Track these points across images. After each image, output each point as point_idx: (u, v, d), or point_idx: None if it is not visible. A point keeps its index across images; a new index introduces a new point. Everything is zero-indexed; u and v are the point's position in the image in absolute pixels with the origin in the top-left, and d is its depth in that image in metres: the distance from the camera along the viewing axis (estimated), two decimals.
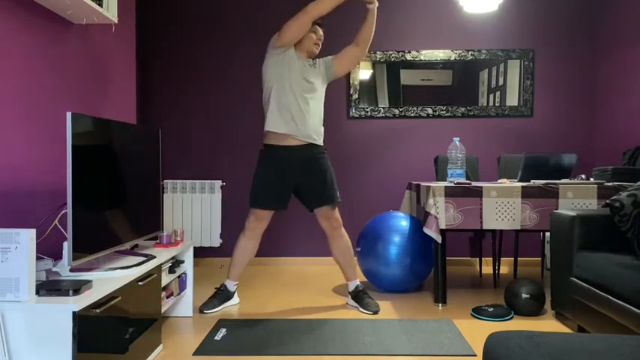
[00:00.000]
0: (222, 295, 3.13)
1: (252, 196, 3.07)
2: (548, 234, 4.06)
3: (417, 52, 4.43)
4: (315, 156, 3.05)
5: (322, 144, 3.10)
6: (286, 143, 2.99)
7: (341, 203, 3.12)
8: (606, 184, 3.12)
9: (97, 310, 1.71)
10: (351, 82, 4.43)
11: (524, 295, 2.94)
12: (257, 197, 3.05)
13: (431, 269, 3.48)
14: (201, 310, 3.01)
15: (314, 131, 3.02)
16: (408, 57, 4.42)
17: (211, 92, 4.48)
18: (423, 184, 3.41)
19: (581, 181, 3.20)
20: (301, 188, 3.08)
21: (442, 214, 3.09)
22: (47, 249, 2.27)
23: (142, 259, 2.24)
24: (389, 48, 4.45)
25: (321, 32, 3.09)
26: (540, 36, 4.44)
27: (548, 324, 2.81)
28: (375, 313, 3.01)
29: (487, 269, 4.30)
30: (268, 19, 4.44)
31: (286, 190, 3.07)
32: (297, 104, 2.95)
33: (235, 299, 3.21)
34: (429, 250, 3.43)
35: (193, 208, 4.33)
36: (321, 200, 3.06)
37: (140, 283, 2.11)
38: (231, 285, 3.16)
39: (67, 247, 1.91)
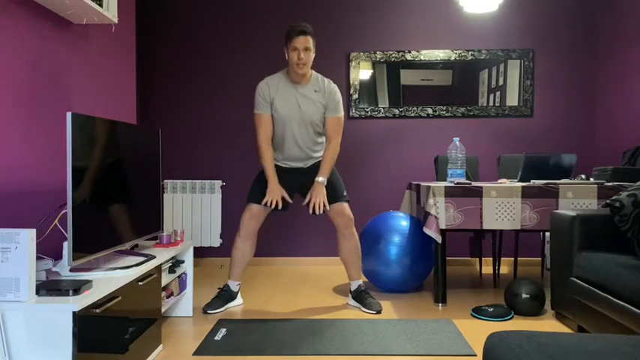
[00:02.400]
0: (225, 295, 3.12)
1: (250, 192, 3.06)
2: (548, 234, 4.06)
3: (417, 52, 4.43)
4: (317, 164, 3.08)
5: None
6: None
7: None
8: (606, 184, 3.12)
9: (97, 310, 1.71)
10: (351, 82, 4.43)
11: (524, 295, 2.94)
12: (255, 192, 3.04)
13: (431, 269, 3.48)
14: (205, 310, 3.00)
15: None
16: (408, 57, 4.42)
17: (211, 92, 4.48)
18: (423, 184, 3.41)
19: (581, 181, 3.20)
20: (306, 188, 3.05)
21: (442, 214, 3.09)
22: (47, 249, 2.27)
23: (142, 259, 2.24)
24: (389, 48, 4.45)
25: (298, 45, 2.89)
26: (540, 36, 4.44)
27: (548, 324, 2.81)
28: (378, 312, 3.00)
29: (487, 269, 4.30)
30: (268, 19, 4.44)
31: (286, 190, 3.05)
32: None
33: (239, 300, 3.19)
34: (429, 250, 3.43)
35: (193, 208, 4.33)
36: (331, 199, 3.04)
37: (140, 283, 2.11)
38: (233, 285, 3.15)
39: (67, 247, 1.91)
